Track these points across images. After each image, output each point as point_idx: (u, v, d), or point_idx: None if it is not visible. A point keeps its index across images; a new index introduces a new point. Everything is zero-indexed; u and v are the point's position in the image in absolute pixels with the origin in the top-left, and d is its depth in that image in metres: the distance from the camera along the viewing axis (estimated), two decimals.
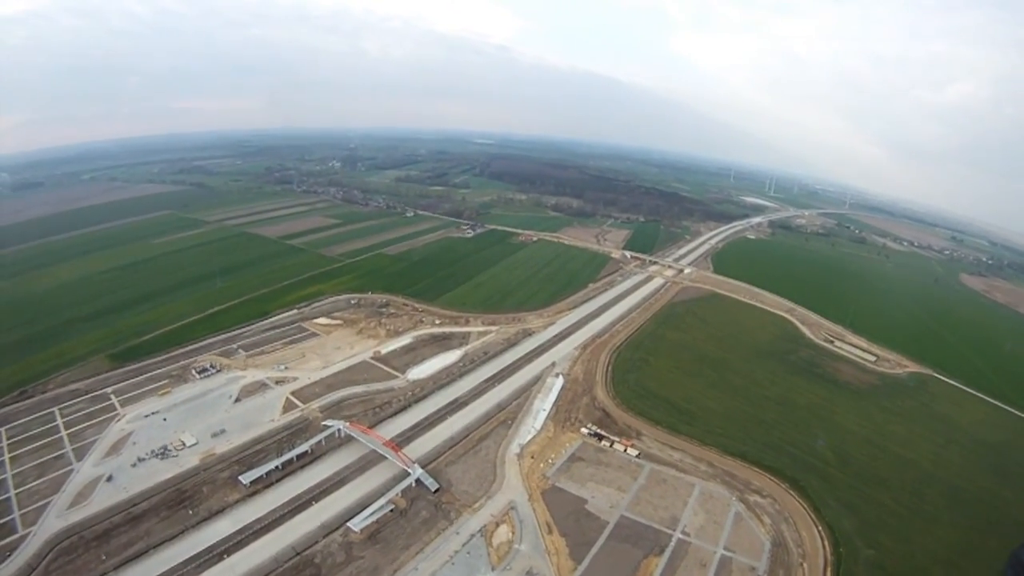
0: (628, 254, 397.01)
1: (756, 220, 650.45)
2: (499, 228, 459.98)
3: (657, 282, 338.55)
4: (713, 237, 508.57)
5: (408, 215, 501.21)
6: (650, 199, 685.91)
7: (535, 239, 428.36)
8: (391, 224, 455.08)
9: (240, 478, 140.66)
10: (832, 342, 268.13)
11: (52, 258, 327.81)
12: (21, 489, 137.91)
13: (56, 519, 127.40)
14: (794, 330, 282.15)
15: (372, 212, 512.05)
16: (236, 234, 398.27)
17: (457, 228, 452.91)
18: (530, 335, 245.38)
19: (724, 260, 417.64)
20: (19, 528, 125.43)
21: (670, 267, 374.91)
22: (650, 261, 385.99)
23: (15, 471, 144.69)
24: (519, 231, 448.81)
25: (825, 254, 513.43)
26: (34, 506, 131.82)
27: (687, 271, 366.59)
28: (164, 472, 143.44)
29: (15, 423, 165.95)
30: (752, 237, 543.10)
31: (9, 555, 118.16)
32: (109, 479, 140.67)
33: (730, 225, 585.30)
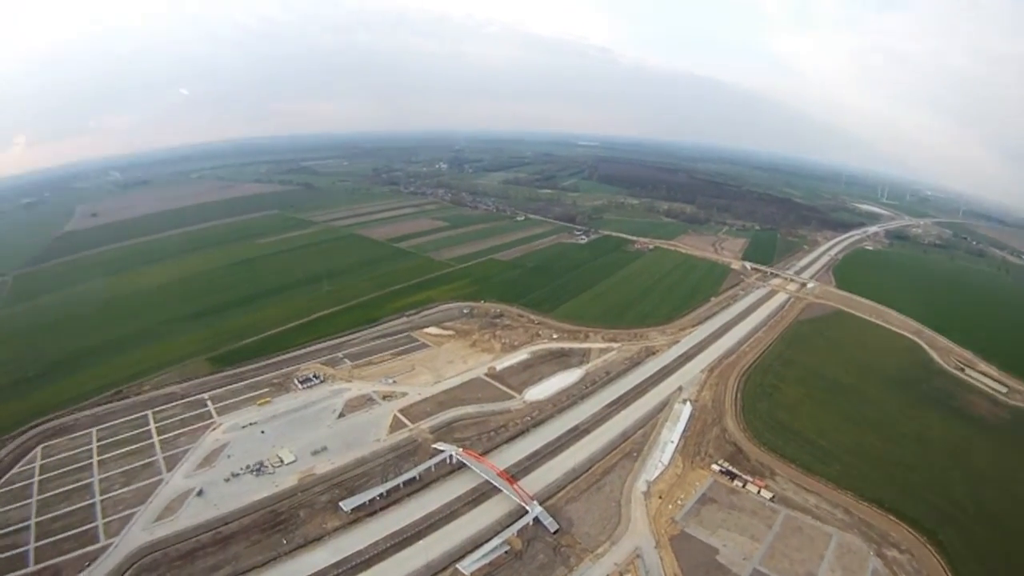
0: (748, 265, 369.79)
1: (872, 229, 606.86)
2: (613, 234, 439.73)
3: (780, 297, 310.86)
4: (832, 248, 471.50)
5: (518, 219, 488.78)
6: (764, 206, 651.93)
7: (652, 247, 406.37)
8: (501, 228, 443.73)
9: (341, 504, 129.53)
10: (963, 370, 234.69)
11: (154, 256, 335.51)
12: (106, 496, 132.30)
13: (141, 532, 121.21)
14: (924, 355, 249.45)
15: (481, 215, 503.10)
16: (343, 235, 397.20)
17: (569, 234, 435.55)
18: (653, 354, 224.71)
19: (845, 273, 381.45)
20: (101, 538, 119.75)
21: (792, 280, 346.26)
22: (771, 273, 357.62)
23: (102, 475, 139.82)
24: (634, 238, 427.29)
25: (945, 267, 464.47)
26: (118, 515, 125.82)
27: (810, 285, 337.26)
28: (259, 491, 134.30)
29: (107, 424, 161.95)
30: (870, 248, 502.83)
31: (88, 565, 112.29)
32: (200, 493, 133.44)
33: (847, 234, 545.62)
